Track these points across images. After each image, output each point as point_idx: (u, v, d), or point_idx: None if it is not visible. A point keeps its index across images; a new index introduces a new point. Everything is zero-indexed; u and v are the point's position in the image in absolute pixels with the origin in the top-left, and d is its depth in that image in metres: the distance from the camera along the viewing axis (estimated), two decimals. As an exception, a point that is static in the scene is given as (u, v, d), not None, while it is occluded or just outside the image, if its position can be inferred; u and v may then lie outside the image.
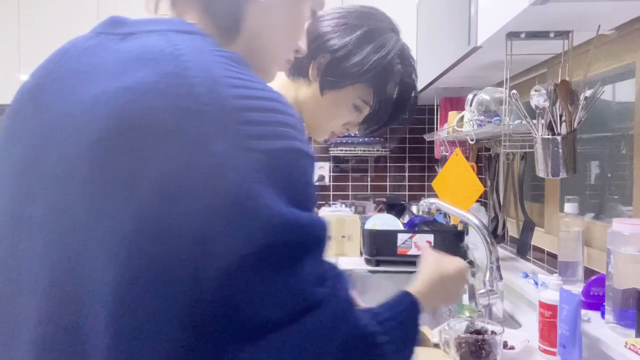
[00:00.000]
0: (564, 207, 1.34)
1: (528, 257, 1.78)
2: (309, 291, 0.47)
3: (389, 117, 1.00)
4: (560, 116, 1.12)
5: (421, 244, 1.20)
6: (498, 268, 1.31)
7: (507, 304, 1.51)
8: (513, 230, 1.88)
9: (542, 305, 1.09)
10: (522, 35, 1.23)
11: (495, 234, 1.87)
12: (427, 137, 2.49)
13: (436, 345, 1.07)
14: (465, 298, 1.43)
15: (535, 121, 1.17)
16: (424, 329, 1.30)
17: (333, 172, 3.00)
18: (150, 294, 0.43)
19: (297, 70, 0.99)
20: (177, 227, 0.42)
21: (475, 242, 2.05)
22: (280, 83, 1.03)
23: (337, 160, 2.99)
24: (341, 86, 0.95)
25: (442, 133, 2.10)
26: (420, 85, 1.29)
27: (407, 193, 2.99)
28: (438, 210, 2.12)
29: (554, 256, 1.55)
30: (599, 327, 1.08)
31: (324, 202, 2.96)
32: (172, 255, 0.42)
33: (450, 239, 1.96)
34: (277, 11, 0.62)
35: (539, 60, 1.57)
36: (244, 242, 0.43)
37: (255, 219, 0.43)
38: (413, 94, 1.01)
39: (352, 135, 2.23)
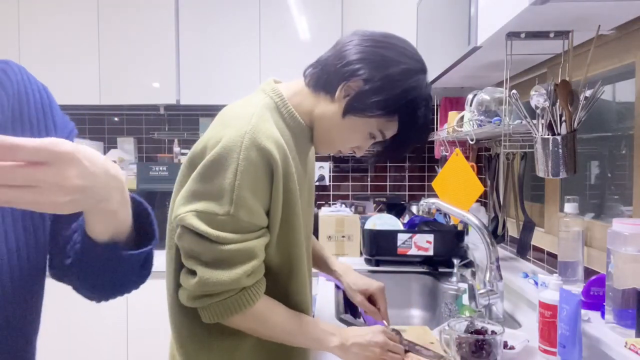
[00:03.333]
0: (564, 207, 1.34)
1: (528, 257, 1.78)
2: None
3: (400, 152, 1.05)
4: (560, 116, 1.12)
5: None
6: (498, 268, 1.31)
7: (507, 304, 1.51)
8: (513, 230, 1.88)
9: (542, 305, 1.09)
10: (522, 35, 1.23)
11: (495, 234, 1.87)
12: (427, 137, 2.48)
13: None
14: (466, 298, 1.43)
15: (535, 121, 1.17)
16: (424, 329, 1.30)
17: (333, 172, 3.00)
18: None
19: (323, 85, 0.98)
20: None
21: (475, 242, 2.05)
22: (298, 88, 1.01)
23: (337, 160, 3.00)
24: (366, 115, 0.95)
25: (442, 133, 2.10)
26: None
27: (407, 193, 2.99)
28: (438, 210, 2.13)
29: (554, 256, 1.55)
30: (599, 327, 1.08)
31: (324, 202, 2.96)
32: None
33: (450, 239, 1.96)
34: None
35: (539, 60, 1.57)
36: None
37: None
38: (427, 134, 1.05)
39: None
